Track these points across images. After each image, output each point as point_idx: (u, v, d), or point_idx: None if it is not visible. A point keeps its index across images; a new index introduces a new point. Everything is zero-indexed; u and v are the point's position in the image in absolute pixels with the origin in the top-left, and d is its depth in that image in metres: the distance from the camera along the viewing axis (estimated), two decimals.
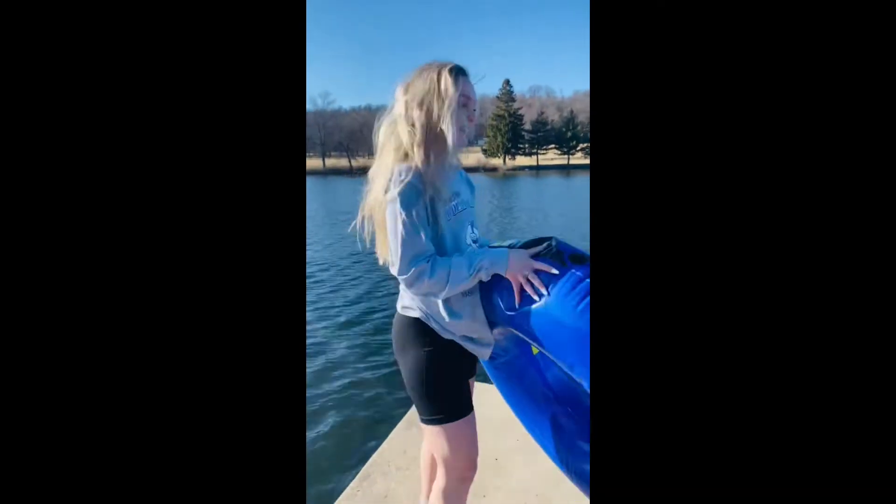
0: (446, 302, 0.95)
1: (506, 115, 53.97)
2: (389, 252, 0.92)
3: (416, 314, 0.97)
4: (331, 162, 58.15)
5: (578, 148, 57.19)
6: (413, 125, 0.91)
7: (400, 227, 0.87)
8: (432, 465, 1.22)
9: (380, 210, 0.92)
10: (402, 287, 0.97)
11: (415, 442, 1.79)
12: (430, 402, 0.95)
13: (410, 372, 0.96)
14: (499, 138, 53.85)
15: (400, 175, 0.88)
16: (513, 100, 55.84)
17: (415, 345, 0.96)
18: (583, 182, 28.09)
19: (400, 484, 1.58)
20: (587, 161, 54.07)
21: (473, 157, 57.93)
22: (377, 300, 5.42)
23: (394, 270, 0.90)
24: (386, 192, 0.88)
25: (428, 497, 1.24)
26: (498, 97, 55.92)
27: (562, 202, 17.28)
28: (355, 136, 59.29)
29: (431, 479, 1.23)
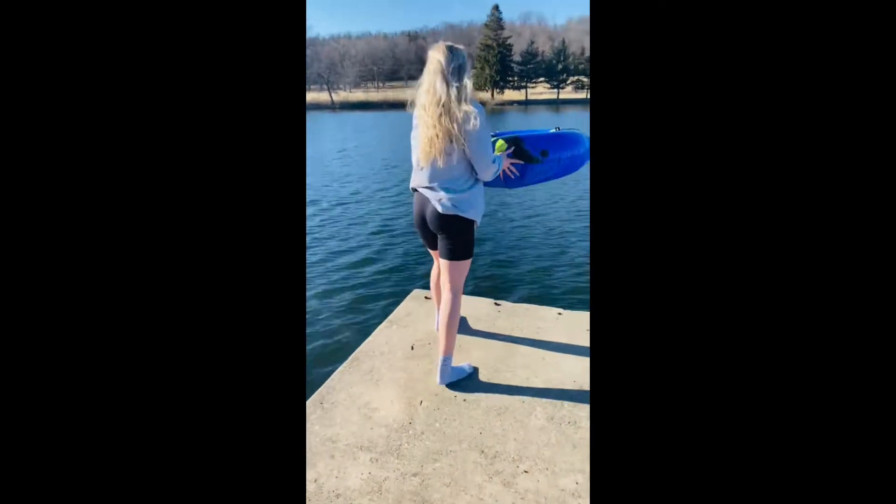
0: (480, 210, 1.70)
1: (494, 45, 51.29)
2: (477, 156, 1.58)
3: (466, 216, 1.66)
4: (310, 96, 55.22)
5: (569, 81, 55.27)
6: (466, 85, 1.55)
7: (488, 141, 1.60)
8: (438, 287, 1.99)
9: (466, 134, 1.53)
10: (450, 199, 1.63)
11: (392, 337, 2.19)
12: (467, 250, 1.73)
13: (459, 238, 1.69)
14: (487, 70, 51.57)
15: (480, 112, 1.53)
16: (502, 28, 52.80)
17: (464, 227, 1.68)
18: (572, 117, 27.55)
19: (382, 364, 1.98)
20: (577, 95, 52.52)
21: None
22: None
23: (482, 165, 1.60)
24: (473, 124, 1.52)
25: (440, 307, 1.97)
26: (486, 25, 52.77)
27: None
28: (336, 68, 56.00)
29: (438, 295, 2.02)
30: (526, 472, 1.39)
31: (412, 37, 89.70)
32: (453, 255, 1.71)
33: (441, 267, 1.79)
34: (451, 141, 1.52)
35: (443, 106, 1.51)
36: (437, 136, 1.53)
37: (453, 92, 1.51)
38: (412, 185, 1.73)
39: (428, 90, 1.55)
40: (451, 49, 1.55)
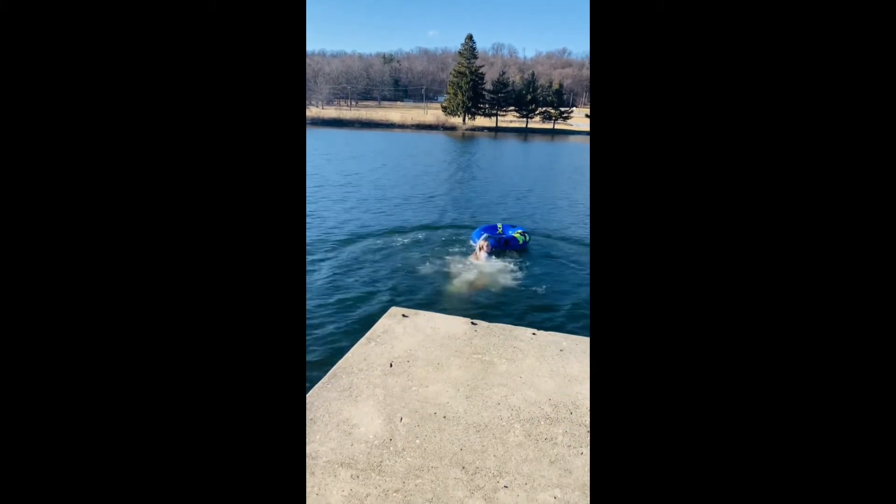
0: None
1: (467, 72, 52.80)
2: None
3: None
4: None
5: (537, 112, 57.44)
6: None
7: None
8: None
9: None
10: None
11: (370, 353, 2.19)
12: None
13: None
14: (459, 96, 52.87)
15: None
16: (475, 56, 54.50)
17: None
18: (540, 146, 28.57)
19: (360, 380, 1.98)
20: (545, 125, 54.62)
21: (433, 114, 56.77)
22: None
23: None
24: None
25: None
26: (460, 53, 54.35)
27: (521, 168, 17.51)
28: (309, 84, 56.10)
29: None
30: (506, 487, 1.43)
31: (387, 59, 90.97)
32: None
33: None
34: None
35: None
36: None
37: None
38: None
39: None
40: None
